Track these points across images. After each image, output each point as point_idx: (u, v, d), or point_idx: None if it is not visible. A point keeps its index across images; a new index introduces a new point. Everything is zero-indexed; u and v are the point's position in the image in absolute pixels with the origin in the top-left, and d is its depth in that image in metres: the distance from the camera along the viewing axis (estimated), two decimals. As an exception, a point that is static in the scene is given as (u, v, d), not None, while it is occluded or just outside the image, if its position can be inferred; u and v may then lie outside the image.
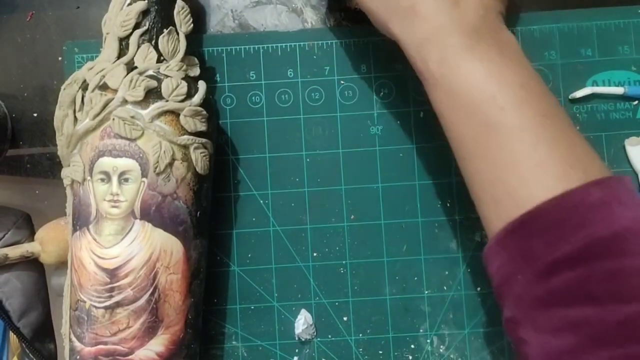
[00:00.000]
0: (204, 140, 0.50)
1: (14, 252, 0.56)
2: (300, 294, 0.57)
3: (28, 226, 0.59)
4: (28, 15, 0.60)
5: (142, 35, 0.50)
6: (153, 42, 0.50)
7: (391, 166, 0.58)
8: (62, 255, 0.55)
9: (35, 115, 0.60)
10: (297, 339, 0.57)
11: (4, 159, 0.60)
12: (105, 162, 0.47)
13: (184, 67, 0.51)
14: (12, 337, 0.60)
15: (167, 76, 0.49)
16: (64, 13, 0.60)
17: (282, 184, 0.58)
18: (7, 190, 0.62)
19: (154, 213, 0.48)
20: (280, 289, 0.57)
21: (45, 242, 0.56)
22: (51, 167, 0.60)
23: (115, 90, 0.48)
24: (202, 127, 0.50)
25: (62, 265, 0.56)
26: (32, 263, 0.58)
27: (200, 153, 0.50)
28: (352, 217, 0.57)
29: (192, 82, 0.50)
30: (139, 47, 0.49)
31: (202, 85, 0.51)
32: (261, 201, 0.58)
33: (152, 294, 0.48)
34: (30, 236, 0.58)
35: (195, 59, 0.53)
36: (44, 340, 0.59)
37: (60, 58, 0.59)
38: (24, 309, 0.58)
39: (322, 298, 0.57)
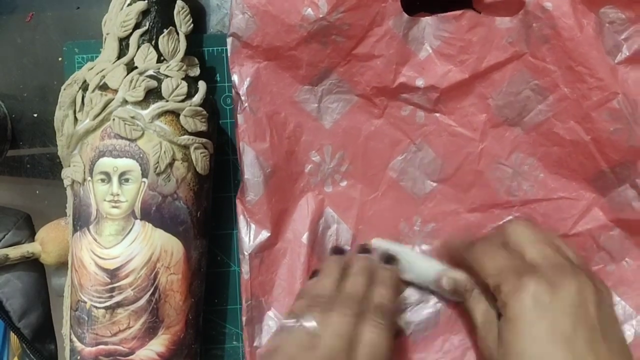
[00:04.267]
0: (204, 140, 0.50)
1: (15, 252, 0.56)
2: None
3: (28, 226, 0.59)
4: (28, 16, 0.60)
5: (142, 35, 0.50)
6: (153, 42, 0.50)
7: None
8: (62, 255, 0.55)
9: (35, 115, 0.60)
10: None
11: (4, 159, 0.60)
12: (106, 163, 0.47)
13: (184, 67, 0.51)
14: (13, 337, 0.60)
15: (167, 76, 0.49)
16: (64, 13, 0.60)
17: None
18: (8, 190, 0.62)
19: (154, 213, 0.48)
20: (280, 289, 0.57)
21: (46, 243, 0.56)
22: (51, 167, 0.60)
23: (116, 91, 0.48)
24: (202, 127, 0.50)
25: (62, 265, 0.56)
26: (33, 263, 0.58)
27: (201, 153, 0.50)
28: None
29: (192, 82, 0.50)
30: (139, 47, 0.49)
31: (202, 85, 0.51)
32: (261, 201, 0.57)
33: (153, 294, 0.48)
34: (31, 236, 0.58)
35: (196, 59, 0.53)
36: (44, 341, 0.59)
37: (60, 58, 0.59)
38: (24, 309, 0.58)
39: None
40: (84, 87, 0.49)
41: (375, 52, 0.50)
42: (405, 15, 0.49)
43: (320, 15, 0.48)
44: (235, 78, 0.50)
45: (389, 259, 0.51)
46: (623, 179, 0.49)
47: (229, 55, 0.50)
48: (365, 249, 0.51)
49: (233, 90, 0.51)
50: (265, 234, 0.51)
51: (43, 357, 0.58)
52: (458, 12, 0.49)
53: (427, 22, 0.49)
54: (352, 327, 0.44)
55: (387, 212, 0.54)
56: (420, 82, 0.50)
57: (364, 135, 0.53)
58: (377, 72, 0.50)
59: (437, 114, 0.52)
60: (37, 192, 0.61)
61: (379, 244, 0.53)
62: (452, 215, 0.53)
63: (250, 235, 0.51)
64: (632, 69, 0.46)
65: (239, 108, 0.50)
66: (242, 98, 0.50)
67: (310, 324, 0.44)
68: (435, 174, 0.53)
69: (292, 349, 0.43)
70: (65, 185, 0.52)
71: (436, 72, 0.50)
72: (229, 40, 0.50)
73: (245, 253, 0.51)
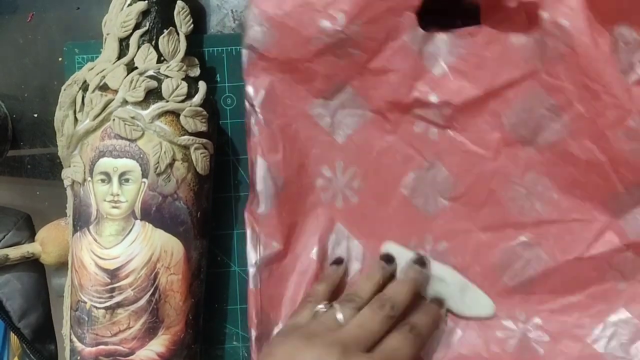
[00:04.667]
0: (204, 140, 0.50)
1: (15, 252, 0.56)
2: (300, 294, 0.57)
3: (29, 227, 0.59)
4: (29, 16, 0.60)
5: (142, 35, 0.50)
6: (153, 42, 0.50)
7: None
8: (62, 255, 0.55)
9: (35, 115, 0.60)
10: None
11: (4, 159, 0.60)
12: (106, 163, 0.47)
13: (184, 67, 0.51)
14: (13, 337, 0.60)
15: (167, 76, 0.49)
16: (65, 14, 0.60)
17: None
18: (8, 191, 0.62)
19: (154, 213, 0.48)
20: (280, 289, 0.57)
21: (46, 243, 0.56)
22: (52, 167, 0.60)
23: (116, 91, 0.48)
24: (202, 127, 0.50)
25: (62, 265, 0.56)
26: (33, 264, 0.58)
27: (201, 153, 0.50)
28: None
29: (192, 82, 0.50)
30: (139, 47, 0.49)
31: (202, 85, 0.51)
32: (262, 201, 0.57)
33: (153, 294, 0.48)
34: (31, 237, 0.58)
35: (196, 59, 0.53)
36: (44, 341, 0.60)
37: (60, 59, 0.59)
38: (24, 309, 0.58)
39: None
40: (84, 87, 0.49)
41: (390, 66, 0.49)
42: (421, 31, 0.48)
43: (338, 28, 0.47)
44: (250, 90, 0.50)
45: (440, 302, 0.51)
46: (638, 201, 0.48)
47: (244, 66, 0.50)
48: (422, 262, 0.51)
49: (246, 102, 0.51)
50: (275, 246, 0.51)
51: (43, 358, 0.58)
52: (474, 28, 0.48)
53: (443, 38, 0.49)
54: (380, 327, 0.46)
55: (398, 230, 0.53)
56: (434, 98, 0.49)
57: (377, 152, 0.52)
58: (391, 86, 0.50)
59: (451, 131, 0.51)
60: (38, 192, 0.61)
61: (391, 248, 0.52)
62: (463, 234, 0.52)
63: (259, 247, 0.51)
64: None
65: (252, 120, 0.50)
66: (257, 110, 0.50)
67: (339, 313, 0.46)
68: (447, 192, 0.52)
69: (316, 326, 0.46)
70: (65, 186, 0.52)
71: (450, 88, 0.49)
72: (245, 52, 0.49)
73: (255, 265, 0.51)
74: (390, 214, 0.53)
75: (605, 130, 0.46)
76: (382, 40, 0.48)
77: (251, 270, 0.51)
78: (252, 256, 0.51)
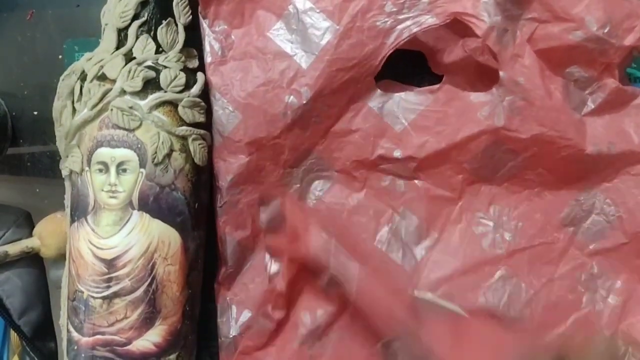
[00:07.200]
0: (202, 131, 0.50)
1: (14, 248, 0.56)
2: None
3: (29, 225, 0.59)
4: (28, 14, 0.60)
5: (140, 26, 0.50)
6: (152, 33, 0.50)
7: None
8: (62, 247, 0.55)
9: (35, 113, 0.60)
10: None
11: (4, 157, 0.60)
12: (104, 153, 0.47)
13: (183, 58, 0.51)
14: (13, 335, 0.60)
15: (165, 67, 0.49)
16: (64, 11, 0.60)
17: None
18: (8, 189, 0.62)
19: (152, 204, 0.48)
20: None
21: (44, 236, 0.56)
22: (51, 165, 0.61)
23: (114, 81, 0.48)
24: (200, 118, 0.50)
25: (62, 257, 0.56)
26: (33, 261, 0.58)
27: (199, 144, 0.50)
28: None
29: (190, 73, 0.50)
30: (137, 38, 0.49)
31: (200, 76, 0.51)
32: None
33: (150, 284, 0.47)
34: (31, 235, 0.58)
35: (194, 50, 0.53)
36: (44, 339, 0.59)
37: (60, 56, 0.59)
38: (24, 307, 0.58)
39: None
40: (83, 77, 0.49)
41: (353, 126, 0.51)
42: (379, 91, 0.51)
43: (304, 102, 0.49)
44: (217, 173, 0.51)
45: None
46: (588, 210, 0.50)
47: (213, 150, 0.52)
48: None
49: (214, 182, 0.52)
50: (249, 314, 0.53)
51: (43, 355, 0.58)
52: (435, 86, 0.51)
53: (401, 97, 0.51)
54: None
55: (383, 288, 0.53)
56: (397, 154, 0.51)
57: (347, 210, 0.53)
58: (356, 146, 0.51)
59: (416, 181, 0.52)
60: (37, 190, 0.61)
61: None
62: (447, 283, 0.52)
63: (232, 318, 0.53)
64: (599, 118, 0.49)
65: (220, 202, 0.52)
66: (224, 193, 0.51)
67: None
68: (422, 241, 0.52)
69: None
70: (63, 176, 0.51)
71: (413, 143, 0.51)
72: (213, 135, 0.51)
73: (230, 337, 0.53)
74: (371, 272, 0.53)
75: (557, 162, 0.49)
76: (344, 105, 0.51)
77: (225, 340, 0.53)
78: (225, 328, 0.53)
